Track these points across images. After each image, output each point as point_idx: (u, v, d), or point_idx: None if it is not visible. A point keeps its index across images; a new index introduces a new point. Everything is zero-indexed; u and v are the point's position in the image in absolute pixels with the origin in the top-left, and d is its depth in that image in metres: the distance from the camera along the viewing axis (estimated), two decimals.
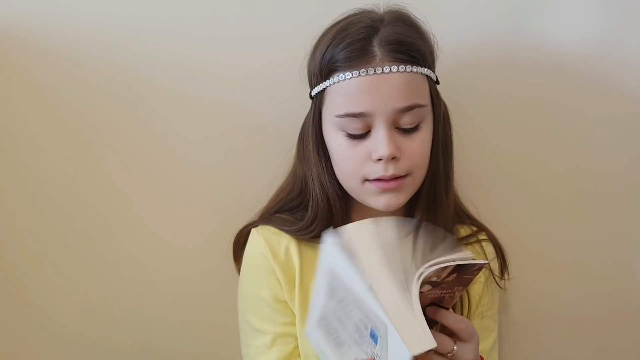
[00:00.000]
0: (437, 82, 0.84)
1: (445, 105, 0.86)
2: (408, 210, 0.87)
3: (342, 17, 0.83)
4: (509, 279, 0.94)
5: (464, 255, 0.68)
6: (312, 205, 0.86)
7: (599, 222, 1.02)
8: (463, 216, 0.94)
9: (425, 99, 0.80)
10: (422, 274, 0.66)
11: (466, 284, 0.70)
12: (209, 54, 0.95)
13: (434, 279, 0.67)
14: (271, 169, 0.93)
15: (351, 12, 0.84)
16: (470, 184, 0.97)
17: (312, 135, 0.85)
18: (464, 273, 0.68)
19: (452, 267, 0.67)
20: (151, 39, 0.94)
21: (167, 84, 0.95)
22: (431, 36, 0.84)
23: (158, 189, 0.99)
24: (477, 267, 0.68)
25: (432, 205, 0.85)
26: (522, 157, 0.99)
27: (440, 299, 0.70)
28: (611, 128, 0.99)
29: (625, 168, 1.00)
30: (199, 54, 0.95)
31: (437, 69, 0.86)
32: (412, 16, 0.84)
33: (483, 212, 0.96)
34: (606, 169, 1.00)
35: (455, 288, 0.70)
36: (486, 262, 0.69)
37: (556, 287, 1.04)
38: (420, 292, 0.66)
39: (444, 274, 0.67)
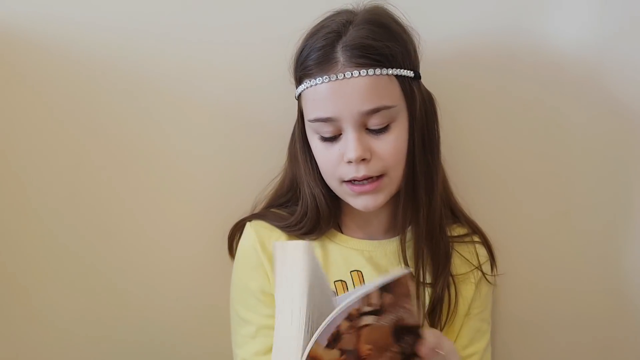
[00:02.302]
0: (418, 77, 0.84)
1: (428, 101, 0.86)
2: (394, 210, 0.89)
3: (320, 19, 0.84)
4: (497, 274, 0.95)
5: (386, 276, 0.66)
6: (301, 203, 0.89)
7: (596, 221, 1.02)
8: (460, 215, 0.94)
9: (394, 100, 0.80)
10: (341, 309, 0.65)
11: (407, 294, 0.68)
12: (207, 54, 0.96)
13: (367, 308, 0.66)
14: (269, 166, 0.94)
15: (329, 14, 0.85)
16: (469, 183, 0.98)
17: (298, 136, 0.88)
18: (396, 289, 0.67)
19: (377, 291, 0.66)
20: (151, 39, 0.95)
21: (167, 84, 0.97)
22: (409, 33, 0.84)
23: (157, 188, 0.99)
24: (402, 279, 0.66)
25: (413, 203, 0.85)
26: (520, 156, 1.00)
27: (401, 320, 0.69)
28: (610, 128, 0.99)
29: (622, 167, 1.00)
30: (197, 53, 0.96)
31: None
32: (386, 14, 0.84)
33: (481, 211, 0.96)
34: (604, 170, 1.00)
35: (402, 304, 0.68)
36: (407, 270, 0.66)
37: (549, 287, 1.03)
38: (368, 325, 0.66)
39: (375, 300, 0.66)
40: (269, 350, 0.85)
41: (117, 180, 0.99)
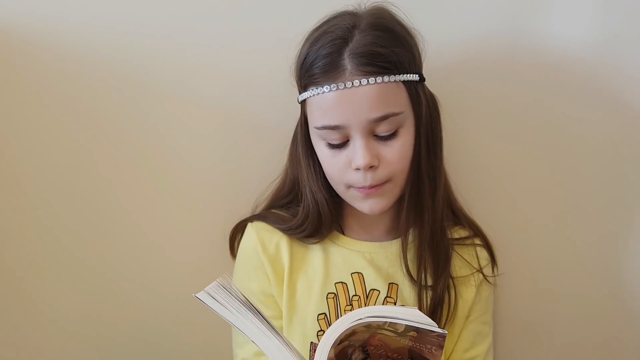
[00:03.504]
0: (422, 80, 0.83)
1: (431, 103, 0.85)
2: (397, 212, 0.89)
3: (321, 22, 0.83)
4: (497, 274, 0.95)
5: (419, 319, 0.66)
6: (302, 207, 0.88)
7: (596, 222, 1.02)
8: (461, 217, 0.94)
9: (401, 106, 0.80)
10: (359, 320, 0.65)
11: (438, 345, 0.68)
12: (208, 55, 0.95)
13: (389, 329, 0.67)
14: (270, 168, 0.94)
15: (331, 16, 0.83)
16: (469, 184, 0.98)
17: (302, 140, 0.87)
18: (428, 337, 0.67)
19: (405, 326, 0.66)
20: (151, 40, 0.95)
21: (167, 85, 0.96)
22: (413, 35, 0.83)
23: (159, 189, 0.99)
24: (441, 335, 0.66)
25: (418, 206, 0.85)
26: (521, 157, 0.99)
27: (420, 351, 0.69)
28: (609, 129, 0.98)
29: (623, 169, 1.00)
30: (198, 54, 0.95)
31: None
32: (390, 17, 0.83)
33: (481, 212, 0.96)
34: (605, 170, 1.00)
35: (429, 346, 0.68)
36: (445, 332, 0.66)
37: (550, 287, 1.04)
38: (385, 334, 0.67)
39: (401, 330, 0.67)
40: None
41: (118, 181, 0.99)
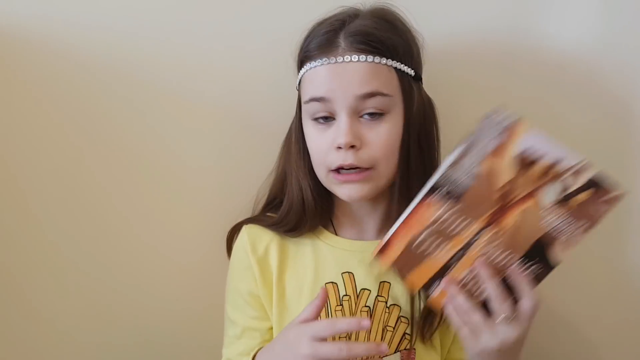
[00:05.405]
0: (418, 79, 0.84)
1: (427, 104, 0.85)
2: (387, 209, 0.88)
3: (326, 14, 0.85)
4: None
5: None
6: (287, 197, 0.88)
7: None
8: None
9: (390, 90, 0.80)
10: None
11: (593, 219, 0.66)
12: (206, 55, 0.96)
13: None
14: (269, 167, 0.94)
15: (337, 10, 0.85)
16: None
17: (296, 126, 0.88)
18: (594, 202, 0.65)
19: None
20: (148, 40, 0.96)
21: (166, 85, 0.97)
22: (413, 33, 0.85)
23: (155, 189, 1.00)
24: (611, 197, 0.66)
25: (407, 204, 0.82)
26: None
27: (553, 239, 0.68)
28: (610, 129, 0.97)
29: (623, 169, 0.98)
30: (197, 54, 0.96)
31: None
32: (392, 13, 0.85)
33: None
34: (605, 169, 0.98)
35: (582, 223, 0.67)
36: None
37: (554, 287, 0.97)
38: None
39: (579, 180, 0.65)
40: (251, 351, 0.86)
41: (116, 181, 0.99)
